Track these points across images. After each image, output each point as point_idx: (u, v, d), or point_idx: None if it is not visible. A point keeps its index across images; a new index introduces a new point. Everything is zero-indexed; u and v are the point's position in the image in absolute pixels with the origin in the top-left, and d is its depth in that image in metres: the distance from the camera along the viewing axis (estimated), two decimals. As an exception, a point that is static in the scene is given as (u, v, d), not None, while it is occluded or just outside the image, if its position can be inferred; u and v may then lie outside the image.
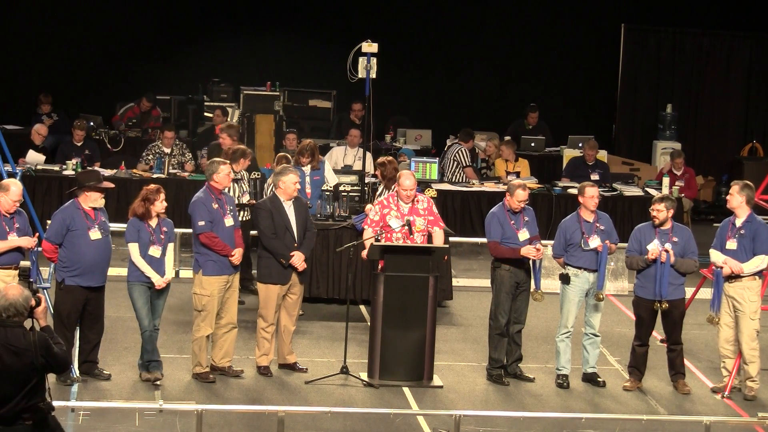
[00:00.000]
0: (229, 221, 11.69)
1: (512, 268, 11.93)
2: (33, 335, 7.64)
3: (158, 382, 11.39)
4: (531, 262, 12.00)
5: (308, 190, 14.56)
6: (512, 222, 11.96)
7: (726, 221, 12.00)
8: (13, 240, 11.18)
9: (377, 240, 11.97)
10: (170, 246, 11.55)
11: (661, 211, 11.86)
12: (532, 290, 11.99)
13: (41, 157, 18.16)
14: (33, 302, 7.73)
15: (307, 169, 14.70)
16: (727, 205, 12.01)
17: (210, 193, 11.74)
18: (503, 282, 11.95)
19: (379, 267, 11.78)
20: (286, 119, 20.05)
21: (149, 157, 18.04)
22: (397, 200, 12.18)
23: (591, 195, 12.00)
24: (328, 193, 14.62)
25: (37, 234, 11.75)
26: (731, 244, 11.82)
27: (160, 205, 11.42)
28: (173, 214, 16.87)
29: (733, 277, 11.77)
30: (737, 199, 11.87)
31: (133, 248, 11.35)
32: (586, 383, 12.11)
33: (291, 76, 21.48)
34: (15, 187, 11.28)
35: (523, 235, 11.93)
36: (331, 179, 14.96)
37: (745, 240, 11.78)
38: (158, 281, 11.33)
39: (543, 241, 12.34)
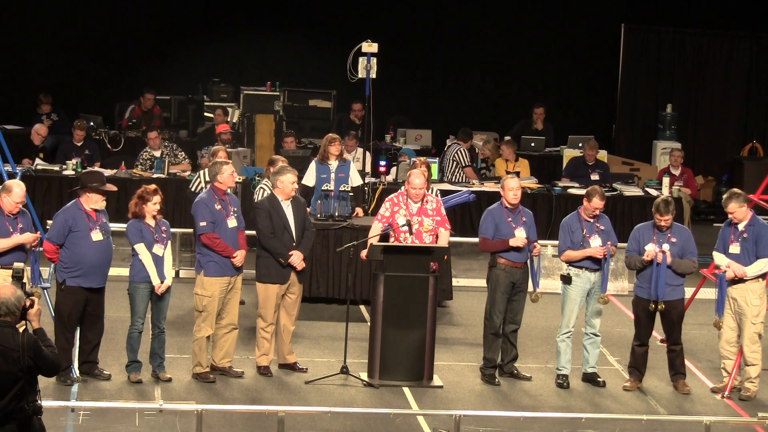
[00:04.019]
0: (232, 222, 11.68)
1: (508, 267, 11.93)
2: (22, 336, 7.61)
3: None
4: (529, 262, 12.01)
5: (332, 187, 14.55)
6: (509, 219, 11.97)
7: (728, 223, 11.96)
8: (16, 237, 11.18)
9: (381, 239, 11.99)
10: (168, 245, 11.57)
11: (668, 221, 11.81)
12: (530, 291, 12.00)
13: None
14: (27, 303, 7.70)
15: (333, 165, 14.68)
16: (734, 222, 11.89)
17: (213, 193, 11.73)
18: (498, 282, 11.97)
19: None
20: (286, 119, 20.06)
21: (140, 165, 17.97)
22: (406, 199, 12.19)
23: (595, 206, 11.98)
24: (349, 192, 14.63)
25: (38, 233, 11.74)
26: (734, 248, 11.79)
27: (152, 206, 11.40)
28: (173, 214, 16.98)
29: (737, 280, 11.75)
30: (742, 211, 11.80)
31: (141, 248, 11.34)
32: (586, 383, 12.12)
33: (291, 76, 21.49)
34: (18, 188, 11.27)
35: (520, 233, 11.93)
36: (355, 180, 14.95)
37: (748, 243, 11.75)
38: (158, 287, 11.34)
39: (543, 242, 12.35)
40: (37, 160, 18.12)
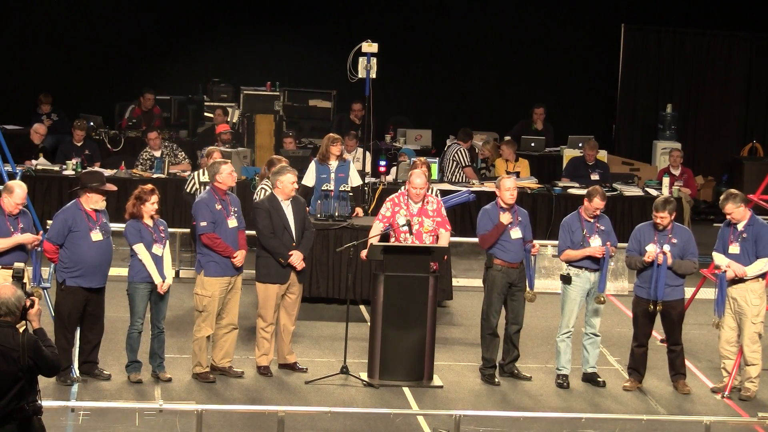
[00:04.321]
0: (232, 222, 11.68)
1: (504, 268, 11.94)
2: (22, 336, 7.60)
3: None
4: (524, 261, 12.01)
5: (332, 187, 14.55)
6: (505, 219, 12.00)
7: (727, 223, 11.96)
8: (17, 237, 11.18)
9: (381, 239, 11.99)
10: (167, 245, 11.58)
11: (665, 218, 11.84)
12: (526, 291, 12.01)
13: (44, 163, 18.18)
14: (27, 303, 7.70)
15: (333, 165, 14.67)
16: (733, 223, 11.89)
17: (214, 193, 11.73)
18: (494, 282, 11.98)
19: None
20: (286, 119, 20.06)
21: (140, 165, 17.99)
22: (407, 199, 12.18)
23: (596, 207, 11.98)
24: (349, 192, 14.63)
25: (40, 233, 11.72)
26: (734, 248, 11.78)
27: (150, 206, 11.40)
28: (173, 213, 16.98)
29: (737, 279, 11.75)
30: (740, 212, 11.81)
31: (141, 249, 11.35)
32: (586, 383, 12.12)
33: (291, 76, 21.50)
34: (19, 189, 11.26)
35: (516, 233, 11.95)
36: (355, 180, 14.94)
37: (747, 243, 11.75)
38: (160, 285, 11.35)
39: (543, 242, 12.34)
40: (39, 159, 18.11)
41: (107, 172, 16.95)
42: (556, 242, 12.46)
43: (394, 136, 20.93)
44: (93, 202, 11.32)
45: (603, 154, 19.69)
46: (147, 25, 22.14)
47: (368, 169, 17.13)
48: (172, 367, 11.79)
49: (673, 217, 11.89)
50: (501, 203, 12.04)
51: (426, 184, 12.32)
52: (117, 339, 12.17)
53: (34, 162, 17.91)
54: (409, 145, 20.29)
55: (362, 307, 14.41)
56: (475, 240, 17.09)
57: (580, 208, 12.16)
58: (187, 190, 14.53)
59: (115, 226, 11.99)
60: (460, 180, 18.49)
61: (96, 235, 11.26)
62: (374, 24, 20.66)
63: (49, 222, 12.18)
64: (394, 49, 19.20)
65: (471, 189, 16.57)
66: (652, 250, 11.75)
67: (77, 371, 11.41)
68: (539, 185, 18.55)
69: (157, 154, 18.08)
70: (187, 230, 15.35)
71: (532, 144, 20.70)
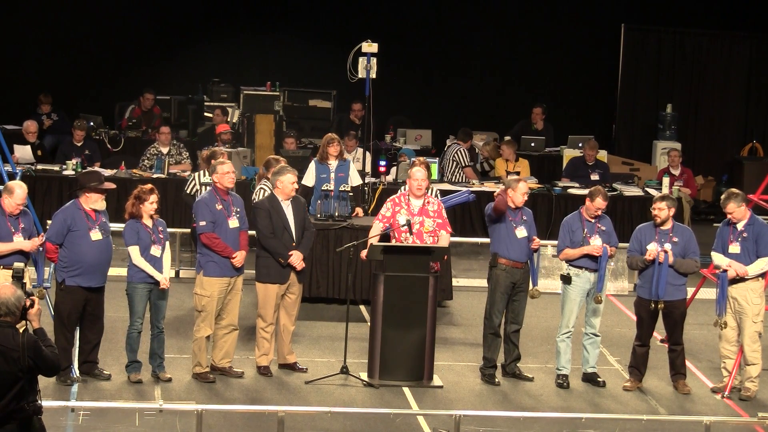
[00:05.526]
0: (233, 223, 11.67)
1: (508, 267, 11.94)
2: (22, 336, 7.60)
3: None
4: (529, 261, 12.02)
5: (332, 187, 14.54)
6: (511, 218, 11.99)
7: (726, 222, 11.96)
8: (17, 243, 11.17)
9: (381, 239, 11.99)
10: (167, 245, 11.57)
11: (662, 210, 11.85)
12: (530, 288, 12.01)
13: (28, 151, 18.14)
14: (27, 303, 7.70)
15: (333, 164, 14.67)
16: (733, 222, 11.89)
17: (215, 193, 11.73)
18: (498, 282, 11.98)
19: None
20: (286, 119, 20.05)
21: (147, 160, 18.02)
22: (408, 198, 12.18)
23: (598, 207, 11.98)
24: (349, 192, 14.62)
25: (42, 234, 11.69)
26: (734, 248, 11.78)
27: (149, 206, 11.40)
28: (174, 213, 16.98)
29: (737, 279, 11.75)
30: (741, 211, 11.81)
31: (134, 251, 11.35)
32: (586, 383, 12.12)
33: (291, 76, 21.50)
34: (20, 189, 11.25)
35: (521, 232, 11.95)
36: (355, 180, 14.94)
37: (748, 243, 11.75)
38: (163, 281, 11.35)
39: (544, 242, 12.33)
40: (20, 152, 18.06)
41: (107, 172, 16.95)
42: (556, 242, 12.46)
43: (394, 136, 20.93)
44: (92, 201, 11.31)
45: (603, 154, 19.70)
46: (147, 25, 22.15)
47: (368, 169, 17.13)
48: (172, 367, 11.79)
49: (671, 212, 11.88)
50: (509, 203, 12.01)
51: (427, 180, 12.31)
52: (117, 339, 12.17)
53: (16, 156, 17.79)
54: (409, 145, 20.29)
55: (362, 307, 14.41)
56: (475, 240, 17.18)
57: (581, 207, 12.16)
58: (187, 191, 14.54)
59: (115, 226, 11.98)
60: (460, 180, 18.49)
61: (95, 235, 11.25)
62: (374, 24, 20.66)
63: (49, 222, 12.17)
64: (394, 49, 19.21)
65: (471, 189, 16.58)
66: (653, 248, 11.75)
67: (77, 371, 11.41)
68: (539, 185, 18.56)
69: (165, 150, 18.11)
70: (188, 230, 15.36)
71: (532, 144, 20.69)
